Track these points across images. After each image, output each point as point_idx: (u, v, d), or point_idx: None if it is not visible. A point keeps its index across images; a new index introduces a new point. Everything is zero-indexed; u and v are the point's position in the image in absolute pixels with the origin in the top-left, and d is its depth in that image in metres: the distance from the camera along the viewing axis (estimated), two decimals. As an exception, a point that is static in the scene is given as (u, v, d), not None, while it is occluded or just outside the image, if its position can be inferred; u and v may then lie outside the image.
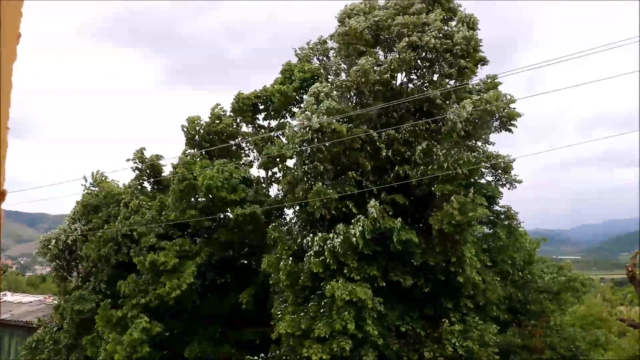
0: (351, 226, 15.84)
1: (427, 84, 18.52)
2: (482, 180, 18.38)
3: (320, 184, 16.61)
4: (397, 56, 17.64)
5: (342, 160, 17.46)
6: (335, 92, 17.96)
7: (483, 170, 18.11)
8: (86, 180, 23.90)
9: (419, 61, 18.02)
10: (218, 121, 22.45)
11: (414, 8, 17.95)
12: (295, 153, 17.67)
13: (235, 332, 20.63)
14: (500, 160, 18.40)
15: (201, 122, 22.74)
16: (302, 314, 16.10)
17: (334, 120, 16.35)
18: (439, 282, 17.05)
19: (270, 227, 18.68)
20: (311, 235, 16.61)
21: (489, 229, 18.76)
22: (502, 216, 18.52)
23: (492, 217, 18.46)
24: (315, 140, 16.37)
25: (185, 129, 22.89)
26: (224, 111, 22.91)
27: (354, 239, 15.45)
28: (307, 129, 16.41)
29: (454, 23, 18.34)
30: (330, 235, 16.01)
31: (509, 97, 17.51)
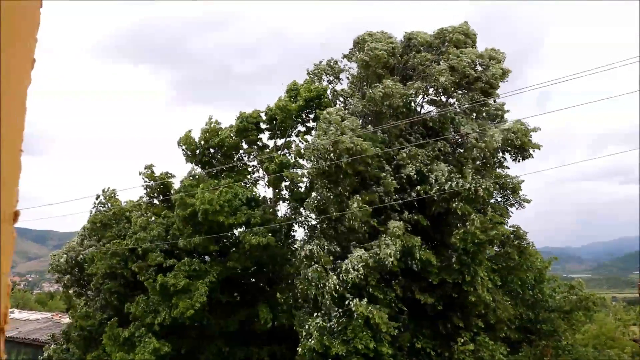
0: (384, 246, 16.01)
1: (441, 107, 19.31)
2: (492, 200, 18.38)
3: (356, 201, 16.75)
4: (424, 83, 18.83)
5: (366, 176, 17.70)
6: (349, 115, 18.47)
7: (493, 191, 18.38)
8: (98, 198, 24.01)
9: (452, 86, 18.86)
10: (215, 136, 22.26)
11: (449, 36, 19.19)
12: (313, 173, 18.03)
13: (245, 351, 20.46)
14: (509, 180, 18.62)
15: (194, 138, 22.44)
16: (326, 331, 16.15)
17: (359, 139, 16.81)
18: (451, 300, 17.09)
19: (300, 242, 18.87)
20: (351, 252, 16.70)
21: (499, 249, 18.69)
22: (512, 236, 18.44)
23: (502, 237, 18.47)
24: (337, 158, 16.68)
25: (182, 147, 22.75)
26: (219, 123, 22.80)
27: (391, 259, 15.65)
28: (332, 147, 16.71)
29: (478, 53, 19.22)
30: (366, 253, 16.15)
31: (528, 126, 18.03)
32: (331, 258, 17.42)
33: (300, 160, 21.11)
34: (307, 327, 16.80)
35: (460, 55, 18.35)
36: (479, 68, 18.65)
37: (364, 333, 15.38)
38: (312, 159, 17.45)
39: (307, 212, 19.88)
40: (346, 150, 16.54)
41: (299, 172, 20.24)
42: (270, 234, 19.17)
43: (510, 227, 18.56)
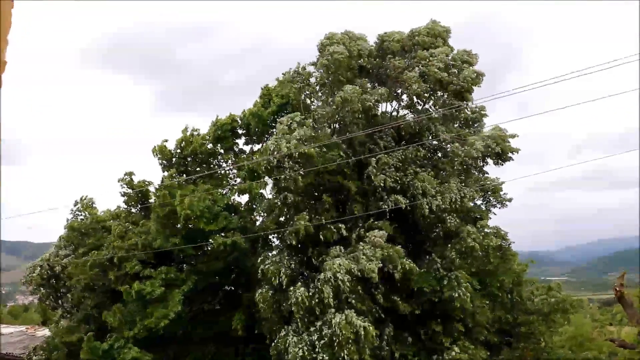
0: (363, 258, 15.83)
1: (417, 113, 19.14)
2: (471, 204, 18.51)
3: (296, 217, 16.80)
4: (390, 87, 18.51)
5: (319, 186, 17.59)
6: (310, 120, 18.37)
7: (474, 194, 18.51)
8: (75, 205, 23.55)
9: (425, 92, 18.73)
10: (190, 145, 22.16)
11: (417, 39, 18.89)
12: (265, 183, 18.09)
13: (232, 349, 20.30)
14: (489, 182, 18.77)
15: (168, 148, 22.37)
16: (304, 345, 15.88)
17: (302, 144, 16.66)
18: (431, 306, 17.13)
19: (259, 260, 18.43)
20: (326, 261, 16.49)
21: (480, 253, 18.82)
22: (493, 237, 18.61)
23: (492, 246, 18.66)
24: (287, 165, 16.63)
25: (157, 156, 22.57)
26: (195, 131, 22.67)
27: (374, 274, 15.45)
28: (274, 157, 16.67)
29: (452, 56, 19.07)
30: (345, 261, 15.93)
31: (506, 132, 18.19)
32: (291, 267, 17.24)
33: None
34: (277, 340, 16.65)
35: (431, 58, 18.10)
36: (453, 71, 18.47)
37: (351, 347, 15.13)
38: (261, 170, 17.47)
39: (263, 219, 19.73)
40: (291, 159, 16.49)
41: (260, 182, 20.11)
42: (236, 234, 19.03)
43: (490, 229, 18.68)
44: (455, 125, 19.56)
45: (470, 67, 18.44)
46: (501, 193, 19.13)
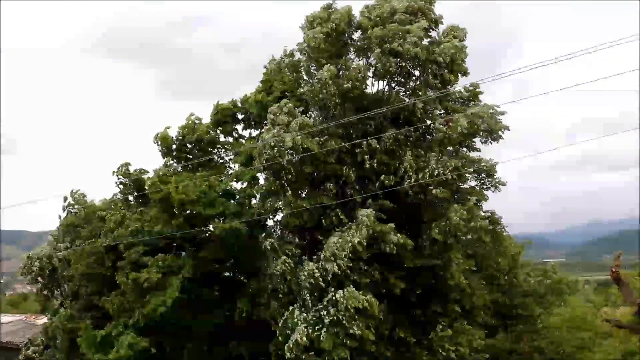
0: (347, 235, 15.93)
1: (408, 93, 18.59)
2: (466, 185, 18.38)
3: (292, 198, 16.78)
4: (373, 62, 17.64)
5: (319, 174, 17.48)
6: (301, 108, 18.08)
7: (467, 175, 18.17)
8: (65, 200, 23.47)
9: (399, 69, 17.84)
10: (192, 132, 22.08)
11: (397, 17, 17.61)
12: (262, 171, 17.94)
13: (224, 347, 20.33)
14: (483, 164, 18.40)
15: (173, 135, 22.27)
16: (309, 325, 15.98)
17: (306, 137, 16.47)
18: (428, 286, 17.20)
19: (263, 235, 18.58)
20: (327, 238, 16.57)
21: (474, 235, 18.81)
22: (487, 221, 18.60)
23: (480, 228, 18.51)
24: (287, 156, 16.53)
25: (158, 143, 22.46)
26: (199, 119, 22.62)
27: (360, 247, 15.60)
28: (275, 148, 16.53)
29: (436, 33, 18.27)
30: (340, 239, 15.99)
31: (497, 109, 17.63)
32: (298, 249, 17.38)
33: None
34: (285, 320, 16.70)
35: (406, 35, 16.85)
36: (433, 49, 17.23)
37: (358, 322, 15.30)
38: (261, 159, 17.20)
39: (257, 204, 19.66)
40: (288, 149, 16.39)
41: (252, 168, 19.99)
42: (234, 219, 18.98)
43: (485, 212, 18.63)
44: (447, 103, 18.92)
45: (452, 41, 17.22)
46: (495, 176, 18.70)
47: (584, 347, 21.81)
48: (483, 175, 18.59)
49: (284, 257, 17.04)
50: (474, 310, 18.05)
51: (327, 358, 15.37)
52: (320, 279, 16.04)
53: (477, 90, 18.85)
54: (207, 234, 20.34)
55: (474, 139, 18.33)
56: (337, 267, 15.69)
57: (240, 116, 22.86)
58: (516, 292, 21.26)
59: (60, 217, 23.47)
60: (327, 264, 15.89)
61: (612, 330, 23.08)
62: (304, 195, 17.73)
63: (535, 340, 20.92)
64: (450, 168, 16.40)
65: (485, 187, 18.75)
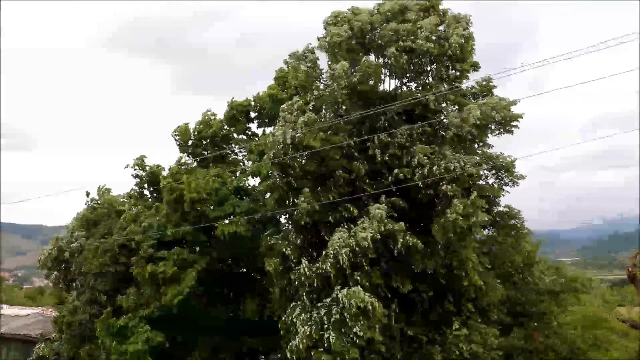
0: (359, 228, 15.79)
1: (420, 88, 18.47)
2: (482, 182, 18.08)
3: (302, 197, 16.67)
4: (387, 61, 17.64)
5: (325, 168, 17.40)
6: (312, 104, 18.10)
7: (484, 172, 17.90)
8: (88, 195, 23.74)
9: (411, 65, 17.93)
10: (209, 128, 22.30)
11: (408, 14, 17.80)
12: (271, 167, 17.97)
13: (235, 342, 20.49)
14: (501, 160, 18.10)
15: (190, 129, 22.62)
16: (312, 323, 15.92)
17: (309, 133, 16.42)
18: (441, 286, 17.00)
19: (264, 234, 18.66)
20: (329, 235, 16.50)
21: (490, 231, 18.60)
22: (506, 216, 18.25)
23: (495, 219, 18.22)
24: (290, 153, 16.58)
25: (176, 138, 22.78)
26: (214, 115, 22.76)
27: (366, 242, 15.36)
28: (281, 145, 16.58)
29: (444, 26, 18.09)
30: (345, 234, 15.88)
31: (509, 100, 17.42)
32: (298, 245, 17.33)
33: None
34: (286, 317, 16.74)
35: (418, 31, 17.05)
36: (443, 42, 17.25)
37: (362, 322, 15.14)
38: (270, 155, 17.25)
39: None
40: (290, 146, 16.45)
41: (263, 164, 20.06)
42: (248, 223, 19.13)
43: (503, 207, 18.35)
44: (461, 97, 18.74)
45: (456, 32, 17.16)
46: (514, 171, 18.33)
47: (598, 346, 21.61)
48: (502, 171, 18.27)
49: (275, 258, 17.17)
50: (489, 308, 17.90)
51: (338, 358, 15.28)
52: (316, 280, 15.99)
53: (490, 84, 18.65)
54: (213, 233, 20.50)
55: (487, 134, 18.02)
56: (337, 265, 15.55)
57: (253, 114, 22.97)
58: (531, 290, 21.07)
59: (77, 214, 23.73)
60: (325, 264, 15.74)
61: (627, 330, 22.88)
62: (312, 191, 17.63)
63: (549, 338, 20.74)
64: (470, 163, 16.14)
65: (503, 183, 18.43)
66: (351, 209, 16.79)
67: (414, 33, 17.26)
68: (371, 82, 17.59)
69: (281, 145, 16.69)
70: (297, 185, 17.28)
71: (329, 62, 18.82)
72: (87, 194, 23.73)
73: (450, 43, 17.09)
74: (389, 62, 17.56)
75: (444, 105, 18.10)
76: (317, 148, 16.46)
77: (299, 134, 16.41)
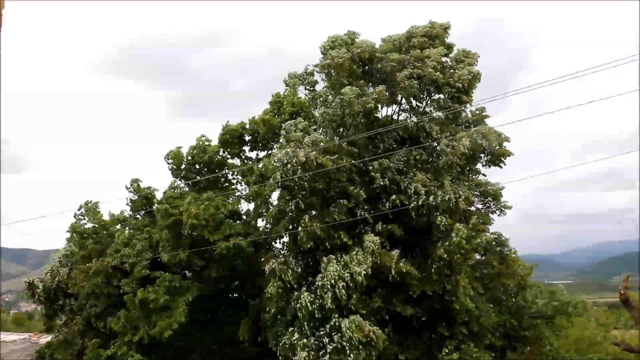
0: (354, 263, 15.88)
1: (418, 115, 18.87)
2: (472, 208, 18.34)
3: (307, 218, 16.78)
4: (389, 88, 18.11)
5: (330, 191, 17.53)
6: (314, 126, 18.40)
7: (474, 199, 18.20)
8: (79, 210, 23.57)
9: (420, 92, 18.48)
10: (203, 153, 22.40)
11: (414, 40, 18.44)
12: (277, 188, 17.95)
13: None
14: (489, 187, 18.48)
15: (184, 154, 22.67)
16: (310, 349, 15.91)
17: (319, 153, 16.64)
18: (435, 310, 17.07)
19: (263, 259, 18.65)
20: (323, 265, 16.55)
21: (481, 256, 18.71)
22: (494, 243, 18.49)
23: (485, 244, 18.37)
24: (299, 172, 16.65)
25: (169, 162, 22.81)
26: (209, 141, 22.87)
27: (360, 277, 15.58)
28: (288, 164, 16.65)
29: (450, 57, 18.83)
30: (338, 267, 15.99)
31: (503, 135, 17.84)
32: (298, 271, 17.37)
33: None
34: (284, 342, 16.64)
35: (426, 59, 17.77)
36: (450, 72, 18.06)
37: (360, 351, 15.22)
38: (277, 177, 17.36)
39: (267, 225, 19.64)
40: (301, 165, 16.53)
41: (267, 186, 20.12)
42: (241, 239, 19.17)
43: (491, 234, 18.56)
44: (453, 126, 19.20)
45: (467, 68, 18.01)
46: (501, 200, 18.77)
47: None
48: (489, 198, 18.64)
49: (279, 281, 17.21)
50: (481, 332, 17.86)
51: None
52: (316, 310, 16.12)
53: (483, 114, 19.18)
54: (207, 255, 20.38)
55: (476, 163, 18.51)
56: (333, 297, 15.72)
57: (247, 138, 23.11)
58: (524, 313, 21.00)
59: (69, 228, 23.51)
60: (326, 298, 15.86)
61: (622, 354, 22.70)
62: (314, 214, 17.70)
63: (544, 362, 20.59)
64: (463, 197, 16.58)
65: (491, 210, 18.81)
66: (345, 239, 16.88)
67: (421, 60, 17.87)
68: (380, 108, 18.15)
69: (289, 165, 16.73)
70: (303, 206, 17.31)
71: (327, 86, 19.17)
72: (79, 207, 23.54)
73: (459, 75, 17.75)
74: (399, 87, 17.97)
75: (440, 134, 18.44)
76: (329, 167, 16.65)
77: (311, 152, 16.54)
